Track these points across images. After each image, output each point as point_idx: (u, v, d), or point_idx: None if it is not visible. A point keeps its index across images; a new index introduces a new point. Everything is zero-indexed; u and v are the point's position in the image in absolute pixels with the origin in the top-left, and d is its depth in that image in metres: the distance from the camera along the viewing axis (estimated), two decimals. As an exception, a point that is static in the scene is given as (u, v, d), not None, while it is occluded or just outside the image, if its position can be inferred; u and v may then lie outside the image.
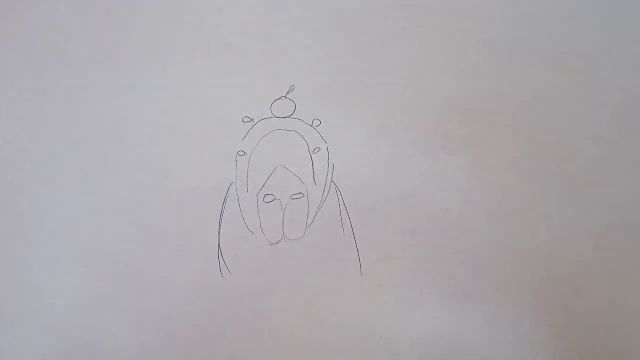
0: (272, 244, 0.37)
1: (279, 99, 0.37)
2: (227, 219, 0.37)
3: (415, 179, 0.37)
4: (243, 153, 0.37)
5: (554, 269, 0.38)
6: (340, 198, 0.37)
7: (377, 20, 0.37)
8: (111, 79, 0.36)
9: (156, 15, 0.36)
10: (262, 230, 0.37)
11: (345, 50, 0.37)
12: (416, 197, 0.37)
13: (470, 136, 0.38)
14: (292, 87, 0.37)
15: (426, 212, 0.37)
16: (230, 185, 0.37)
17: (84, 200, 0.36)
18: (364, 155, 0.37)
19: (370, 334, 0.36)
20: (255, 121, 0.37)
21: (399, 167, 0.36)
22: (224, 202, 0.37)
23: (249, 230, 0.37)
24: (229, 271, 0.37)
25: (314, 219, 0.37)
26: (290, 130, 0.37)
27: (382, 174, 0.37)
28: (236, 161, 0.37)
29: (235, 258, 0.37)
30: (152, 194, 0.36)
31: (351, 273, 0.37)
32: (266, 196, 0.37)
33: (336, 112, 0.37)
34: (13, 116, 0.36)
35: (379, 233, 0.37)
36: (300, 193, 0.37)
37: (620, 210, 0.38)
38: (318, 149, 0.37)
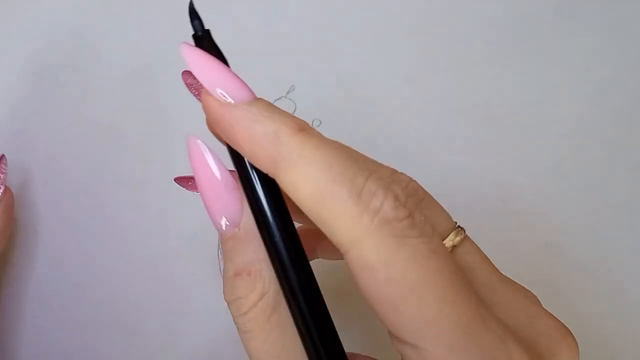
0: (272, 244, 0.37)
1: (279, 99, 0.37)
2: (227, 219, 0.37)
3: (415, 179, 0.37)
4: (243, 153, 0.37)
5: (554, 269, 0.38)
6: (340, 198, 0.37)
7: (377, 20, 0.37)
8: (110, 78, 0.36)
9: (156, 16, 0.36)
10: (262, 230, 0.37)
11: (345, 50, 0.37)
12: (416, 197, 0.37)
13: (470, 136, 0.38)
14: (292, 87, 0.37)
15: (426, 212, 0.37)
16: (230, 185, 0.37)
17: (84, 200, 0.36)
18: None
19: (370, 334, 0.36)
20: (255, 121, 0.37)
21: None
22: (224, 202, 0.37)
23: (249, 230, 0.37)
24: (229, 271, 0.37)
25: (314, 219, 0.37)
26: (290, 130, 0.37)
27: (382, 174, 0.36)
28: (236, 161, 0.37)
29: (235, 258, 0.37)
30: (152, 194, 0.36)
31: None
32: (266, 196, 0.37)
33: (336, 112, 0.37)
34: (13, 116, 0.36)
35: (379, 233, 0.37)
36: (300, 193, 0.37)
37: (620, 210, 0.38)
38: (318, 149, 0.37)
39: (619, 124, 0.39)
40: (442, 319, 0.18)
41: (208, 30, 0.21)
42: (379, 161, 0.23)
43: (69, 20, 0.36)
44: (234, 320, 0.21)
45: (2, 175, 0.33)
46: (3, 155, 0.35)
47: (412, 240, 0.18)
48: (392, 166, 0.23)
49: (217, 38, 0.37)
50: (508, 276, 0.27)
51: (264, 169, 0.18)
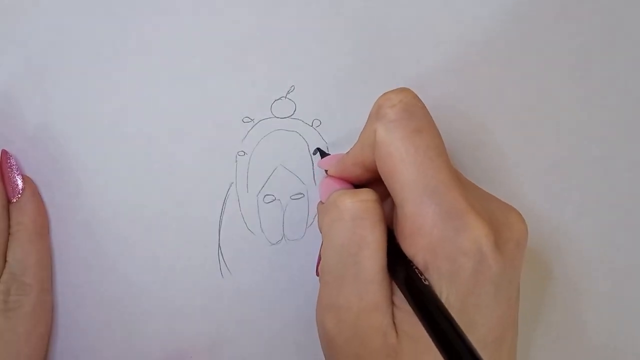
0: (272, 244, 0.37)
1: (279, 99, 0.37)
2: (227, 219, 0.37)
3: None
4: (243, 153, 0.37)
5: (554, 269, 0.38)
6: (340, 198, 0.37)
7: (377, 20, 0.37)
8: (110, 78, 0.36)
9: (156, 15, 0.36)
10: (262, 230, 0.37)
11: (345, 50, 0.37)
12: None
13: (469, 136, 0.38)
14: (292, 87, 0.37)
15: (426, 212, 0.37)
16: (230, 186, 0.37)
17: (83, 200, 0.36)
18: (364, 155, 0.37)
19: (370, 334, 0.36)
20: (255, 121, 0.37)
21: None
22: (224, 202, 0.37)
23: (249, 230, 0.37)
24: (229, 271, 0.37)
25: (314, 219, 0.37)
26: (290, 130, 0.37)
27: (382, 174, 0.36)
28: (236, 161, 0.37)
29: (235, 258, 0.37)
30: (152, 194, 0.36)
31: (351, 273, 0.37)
32: (266, 196, 0.37)
33: (336, 112, 0.37)
34: (13, 116, 0.36)
35: (379, 233, 0.37)
36: (300, 193, 0.37)
37: (621, 210, 0.38)
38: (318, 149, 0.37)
39: (619, 124, 0.39)
40: (417, 183, 0.25)
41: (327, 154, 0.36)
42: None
43: (69, 20, 0.36)
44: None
45: (14, 165, 0.34)
46: (4, 150, 0.35)
47: (403, 127, 0.27)
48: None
49: (217, 38, 0.37)
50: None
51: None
